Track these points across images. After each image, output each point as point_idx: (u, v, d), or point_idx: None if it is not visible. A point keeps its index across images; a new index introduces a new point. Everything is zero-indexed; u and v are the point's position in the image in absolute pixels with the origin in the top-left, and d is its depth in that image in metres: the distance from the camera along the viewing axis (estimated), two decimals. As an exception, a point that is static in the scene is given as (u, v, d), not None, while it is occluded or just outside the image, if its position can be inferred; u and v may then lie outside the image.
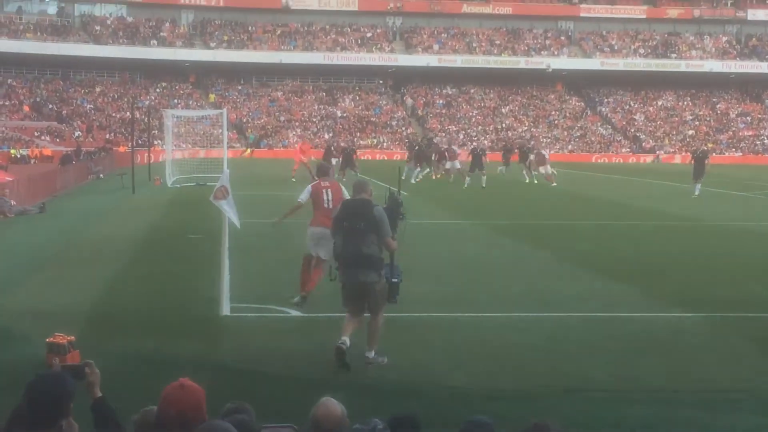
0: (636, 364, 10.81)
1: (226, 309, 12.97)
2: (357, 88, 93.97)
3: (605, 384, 9.98)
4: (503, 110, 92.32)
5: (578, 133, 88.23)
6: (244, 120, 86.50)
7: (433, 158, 48.15)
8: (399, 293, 10.75)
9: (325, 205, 13.81)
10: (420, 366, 10.67)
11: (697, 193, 37.10)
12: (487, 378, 10.14)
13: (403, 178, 42.49)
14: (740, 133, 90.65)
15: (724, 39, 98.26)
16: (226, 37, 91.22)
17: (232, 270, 13.50)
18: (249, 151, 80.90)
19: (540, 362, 10.86)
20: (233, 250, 14.02)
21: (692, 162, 39.57)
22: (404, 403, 8.64)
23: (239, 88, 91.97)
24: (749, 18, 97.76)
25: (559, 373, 10.40)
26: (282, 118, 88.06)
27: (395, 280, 10.59)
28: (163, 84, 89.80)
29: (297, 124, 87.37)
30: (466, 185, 40.76)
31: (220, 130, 41.00)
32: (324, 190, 13.94)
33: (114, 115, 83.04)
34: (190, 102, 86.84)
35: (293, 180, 42.74)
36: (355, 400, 7.98)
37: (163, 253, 19.78)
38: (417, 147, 49.64)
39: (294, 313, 13.36)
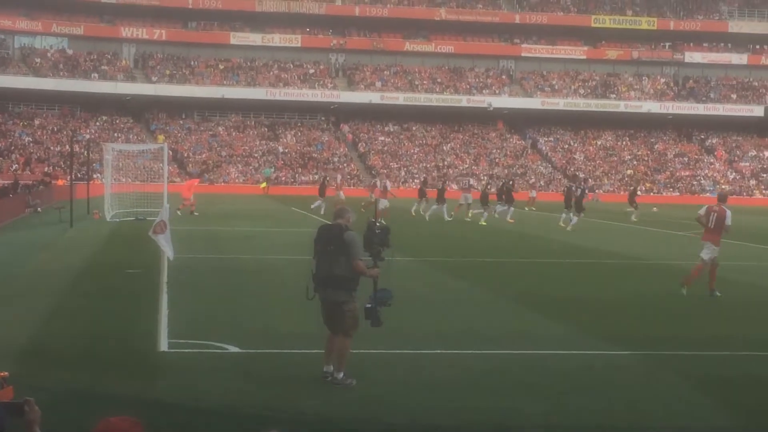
0: (572, 402, 10.89)
1: (164, 344, 12.88)
2: (299, 124, 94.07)
3: (541, 420, 10.04)
4: (445, 147, 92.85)
5: (519, 171, 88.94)
6: (185, 155, 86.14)
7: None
8: (380, 320, 11.26)
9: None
10: (359, 402, 10.67)
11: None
12: (425, 415, 10.16)
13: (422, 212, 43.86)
14: (677, 173, 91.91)
15: (662, 80, 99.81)
16: (168, 72, 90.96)
17: (170, 305, 13.44)
18: (265, 184, 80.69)
19: (477, 399, 10.91)
20: (172, 285, 13.96)
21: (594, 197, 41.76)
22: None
23: (181, 122, 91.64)
24: (686, 60, 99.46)
25: (496, 409, 10.45)
26: (223, 153, 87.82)
27: (368, 305, 11.21)
28: (104, 118, 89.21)
29: (238, 159, 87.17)
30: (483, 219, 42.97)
31: (161, 165, 40.89)
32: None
33: (53, 148, 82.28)
34: (131, 136, 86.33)
35: (195, 214, 42.87)
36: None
37: (100, 287, 19.59)
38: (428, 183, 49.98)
39: (233, 349, 13.30)
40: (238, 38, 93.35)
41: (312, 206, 48.40)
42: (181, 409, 10.11)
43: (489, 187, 49.18)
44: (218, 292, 19.01)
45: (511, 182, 51.37)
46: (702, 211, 20.31)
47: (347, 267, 11.09)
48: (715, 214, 19.96)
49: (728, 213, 19.90)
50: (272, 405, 10.26)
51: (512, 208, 45.32)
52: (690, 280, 19.96)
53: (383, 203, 43.55)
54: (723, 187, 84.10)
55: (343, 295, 11.19)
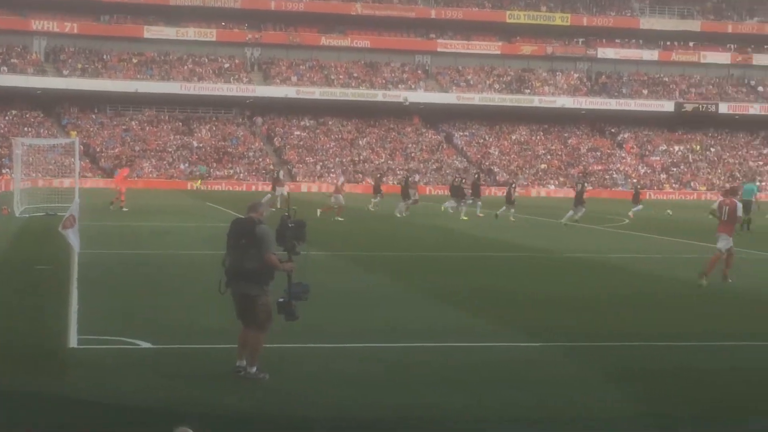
0: (490, 394, 10.91)
1: (73, 341, 12.63)
2: (214, 119, 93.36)
3: (459, 414, 10.04)
4: (360, 142, 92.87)
5: (434, 166, 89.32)
6: (98, 149, 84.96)
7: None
8: (295, 314, 11.18)
9: None
10: (272, 397, 10.58)
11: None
12: (338, 409, 10.10)
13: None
14: (590, 168, 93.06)
15: (576, 76, 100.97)
16: (80, 65, 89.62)
17: (81, 301, 13.19)
18: (200, 182, 79.84)
19: (393, 393, 10.87)
20: (83, 281, 13.72)
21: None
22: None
23: (93, 116, 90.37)
24: (599, 56, 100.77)
25: (414, 403, 10.42)
26: (137, 148, 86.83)
27: (281, 300, 11.13)
28: (14, 112, 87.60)
29: (152, 153, 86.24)
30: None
31: (72, 160, 40.25)
32: None
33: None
34: (42, 131, 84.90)
35: (125, 210, 42.06)
36: (211, 429, 7.87)
37: (8, 284, 19.20)
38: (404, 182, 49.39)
39: (144, 344, 13.10)
40: (151, 32, 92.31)
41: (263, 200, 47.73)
42: (91, 405, 9.91)
43: (461, 181, 48.92)
44: (130, 288, 18.75)
45: (477, 175, 51.93)
46: (715, 206, 21.71)
47: (259, 261, 11.03)
48: (727, 207, 21.30)
49: (738, 205, 21.50)
50: (184, 401, 10.12)
51: (480, 203, 45.35)
52: (709, 271, 20.84)
53: (338, 199, 43.13)
54: (727, 184, 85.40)
55: (255, 289, 11.12)
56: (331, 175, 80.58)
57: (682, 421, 9.93)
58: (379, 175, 57.77)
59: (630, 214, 46.03)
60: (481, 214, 44.19)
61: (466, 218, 42.82)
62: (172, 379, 11.16)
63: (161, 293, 18.19)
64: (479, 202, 45.29)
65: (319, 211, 42.65)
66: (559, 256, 27.56)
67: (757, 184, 60.43)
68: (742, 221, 36.51)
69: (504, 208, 44.40)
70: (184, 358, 12.43)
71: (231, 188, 79.18)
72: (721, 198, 22.20)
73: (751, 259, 26.94)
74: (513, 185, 46.87)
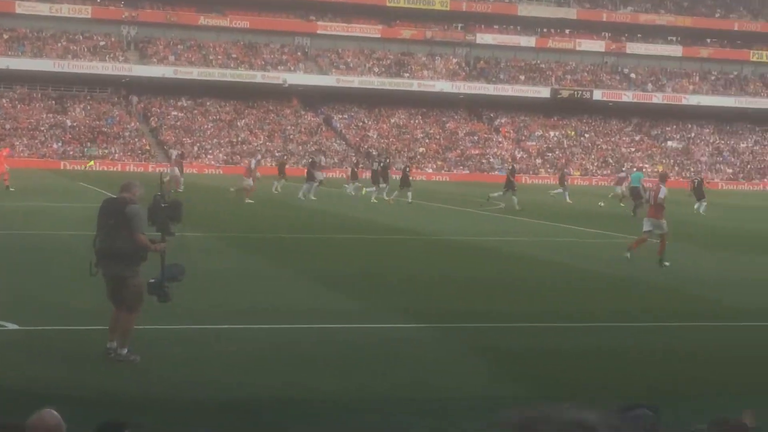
0: (363, 374, 10.91)
1: (-64, 322, 12.25)
2: (88, 98, 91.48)
3: (332, 394, 10.00)
4: (239, 123, 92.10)
5: (313, 148, 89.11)
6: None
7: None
8: (168, 296, 11.06)
9: None
10: (143, 378, 10.41)
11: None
12: (210, 390, 9.97)
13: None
14: (468, 152, 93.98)
15: (454, 61, 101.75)
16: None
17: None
18: (92, 162, 77.79)
19: (265, 374, 10.80)
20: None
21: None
22: (126, 415, 8.36)
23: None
24: (478, 41, 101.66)
25: (284, 384, 10.37)
26: (8, 126, 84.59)
27: (151, 280, 11.02)
28: None
29: (24, 132, 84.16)
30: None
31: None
32: None
33: None
34: None
35: (11, 189, 41.19)
36: (79, 411, 7.68)
37: None
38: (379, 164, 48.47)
39: (11, 326, 12.76)
40: (24, 7, 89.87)
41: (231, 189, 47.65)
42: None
43: (380, 165, 48.13)
44: (-2, 269, 18.25)
45: (387, 161, 51.80)
46: (645, 193, 23.66)
47: (129, 241, 10.86)
48: (652, 192, 22.72)
49: (662, 189, 22.48)
50: (52, 383, 9.88)
51: (388, 187, 45.08)
52: (634, 247, 22.57)
53: (247, 182, 42.68)
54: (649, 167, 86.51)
55: (125, 270, 10.96)
56: (237, 157, 79.78)
57: (550, 402, 10.05)
58: (285, 158, 56.86)
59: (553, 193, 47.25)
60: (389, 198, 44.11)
61: (376, 201, 42.90)
62: (40, 360, 10.90)
63: (30, 274, 17.77)
64: (388, 186, 44.90)
65: (232, 189, 42.76)
66: (437, 238, 27.76)
67: (644, 170, 61.60)
68: (632, 207, 37.38)
69: (397, 192, 44.52)
70: (53, 340, 12.16)
71: (106, 168, 77.77)
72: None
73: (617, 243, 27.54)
74: (387, 161, 46.97)
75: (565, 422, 0.99)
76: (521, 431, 0.66)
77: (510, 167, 49.90)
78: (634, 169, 49.42)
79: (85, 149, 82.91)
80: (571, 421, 1.02)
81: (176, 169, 47.94)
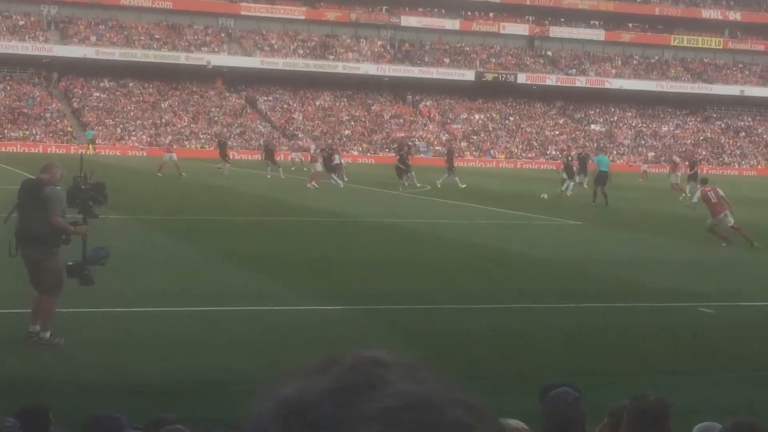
0: (283, 357, 10.99)
1: None
2: (8, 78, 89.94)
3: (251, 376, 10.07)
4: (162, 105, 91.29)
5: (238, 130, 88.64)
6: None
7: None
8: (90, 279, 11.02)
9: None
10: (65, 362, 10.39)
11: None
12: (131, 373, 10.00)
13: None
14: (393, 134, 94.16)
15: (379, 43, 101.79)
16: None
17: None
18: (91, 146, 76.02)
19: (187, 356, 10.84)
20: None
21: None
22: (38, 398, 8.36)
23: None
24: (402, 24, 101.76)
25: (207, 366, 10.42)
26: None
27: (70, 263, 10.97)
28: None
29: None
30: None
31: None
32: None
33: None
34: None
35: None
36: (1, 394, 7.67)
37: None
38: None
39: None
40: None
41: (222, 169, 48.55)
42: None
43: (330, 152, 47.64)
44: None
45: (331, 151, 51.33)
46: (697, 199, 24.94)
47: (46, 223, 10.78)
48: (712, 192, 23.96)
49: (716, 188, 24.13)
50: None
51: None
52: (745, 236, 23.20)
53: (317, 167, 42.84)
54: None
55: (42, 252, 10.90)
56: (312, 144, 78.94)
57: (471, 383, 10.24)
58: (224, 141, 55.95)
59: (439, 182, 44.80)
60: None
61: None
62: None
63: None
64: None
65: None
66: (361, 220, 27.87)
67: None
68: (598, 194, 35.88)
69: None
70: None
71: (27, 149, 76.62)
72: (701, 188, 24.84)
73: (553, 225, 27.88)
74: (330, 151, 46.77)
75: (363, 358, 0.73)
76: (316, 372, 0.68)
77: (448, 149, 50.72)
78: (599, 154, 46.43)
79: (86, 133, 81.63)
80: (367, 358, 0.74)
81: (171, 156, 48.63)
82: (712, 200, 23.60)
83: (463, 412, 0.80)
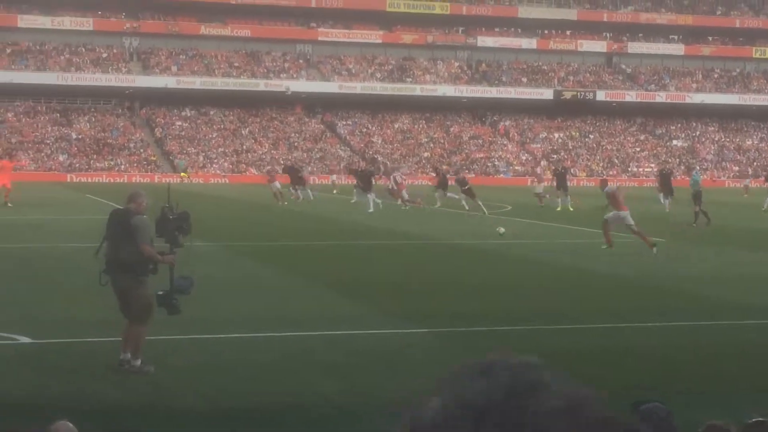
0: (368, 380, 11.04)
1: (-50, 337, 12.40)
2: (93, 110, 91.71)
3: (338, 400, 10.14)
4: (243, 132, 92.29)
5: (318, 155, 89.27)
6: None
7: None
8: (177, 308, 11.13)
9: None
10: (157, 389, 10.53)
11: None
12: (222, 399, 10.11)
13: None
14: (473, 155, 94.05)
15: (456, 64, 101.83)
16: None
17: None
18: (186, 174, 77.87)
19: (275, 381, 10.93)
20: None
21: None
22: (139, 425, 8.53)
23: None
24: (479, 44, 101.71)
25: (294, 390, 10.49)
26: (13, 140, 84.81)
27: (159, 293, 11.08)
28: None
29: (29, 145, 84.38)
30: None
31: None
32: None
33: None
34: None
35: (9, 205, 40.50)
36: (93, 422, 7.83)
37: None
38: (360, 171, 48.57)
39: (24, 339, 12.91)
40: (26, 21, 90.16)
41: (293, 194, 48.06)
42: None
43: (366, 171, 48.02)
44: (9, 282, 18.39)
45: (372, 168, 52.17)
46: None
47: (135, 252, 10.94)
48: None
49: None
50: (66, 396, 10.02)
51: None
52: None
53: (405, 194, 44.18)
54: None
55: (131, 281, 11.04)
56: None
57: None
58: (294, 166, 56.07)
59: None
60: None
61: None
62: (54, 373, 11.03)
63: (41, 287, 17.91)
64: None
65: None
66: (442, 242, 27.85)
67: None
68: (699, 214, 34.88)
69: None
70: (66, 353, 12.28)
71: (112, 180, 77.94)
72: None
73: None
74: (366, 171, 47.15)
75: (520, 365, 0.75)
76: (481, 376, 0.68)
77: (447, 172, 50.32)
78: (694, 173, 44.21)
79: (177, 162, 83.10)
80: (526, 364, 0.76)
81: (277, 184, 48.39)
82: None
83: (610, 411, 0.82)
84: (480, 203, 40.69)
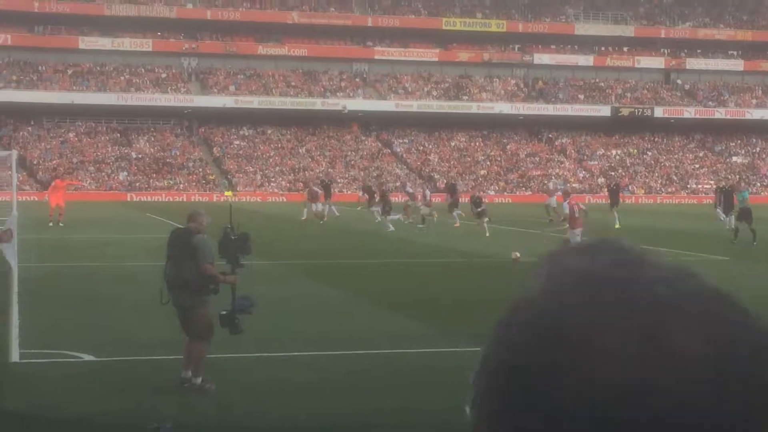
0: (428, 398, 11.00)
1: (15, 355, 12.53)
2: (152, 129, 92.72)
3: (399, 418, 10.11)
4: (300, 150, 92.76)
5: (375, 173, 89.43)
6: (35, 162, 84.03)
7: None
8: (239, 327, 11.13)
9: None
10: (218, 407, 10.58)
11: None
12: (283, 418, 10.13)
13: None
14: (529, 173, 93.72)
15: (513, 82, 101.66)
16: (14, 77, 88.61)
17: (23, 315, 13.07)
18: (231, 193, 78.76)
19: (336, 400, 10.92)
20: (23, 295, 13.60)
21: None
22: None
23: (29, 129, 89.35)
24: (535, 62, 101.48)
25: (356, 410, 10.48)
26: (75, 160, 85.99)
27: (223, 312, 11.11)
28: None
29: (90, 165, 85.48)
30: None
31: (9, 173, 39.67)
32: None
33: None
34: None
35: (60, 225, 40.69)
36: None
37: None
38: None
39: (87, 357, 13.03)
40: (87, 42, 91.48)
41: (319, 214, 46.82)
42: (36, 420, 9.86)
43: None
44: (72, 301, 18.59)
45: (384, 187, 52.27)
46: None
47: (195, 271, 10.99)
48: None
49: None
50: (128, 413, 10.09)
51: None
52: None
53: (425, 210, 43.38)
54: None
55: (192, 299, 11.09)
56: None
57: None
58: (327, 182, 55.70)
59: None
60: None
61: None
62: (116, 391, 11.11)
63: (103, 305, 18.07)
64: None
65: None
66: (503, 260, 27.73)
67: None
68: (743, 230, 34.08)
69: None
70: (128, 371, 12.38)
71: (171, 198, 78.64)
72: None
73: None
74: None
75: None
76: (584, 254, 0.70)
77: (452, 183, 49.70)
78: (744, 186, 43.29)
79: (221, 183, 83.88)
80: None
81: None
82: None
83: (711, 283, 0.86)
84: (486, 225, 38.32)
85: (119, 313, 17.20)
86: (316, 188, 47.26)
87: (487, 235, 36.97)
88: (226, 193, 79.37)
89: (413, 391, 11.31)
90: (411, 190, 50.49)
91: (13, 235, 12.54)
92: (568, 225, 25.88)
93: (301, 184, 56.26)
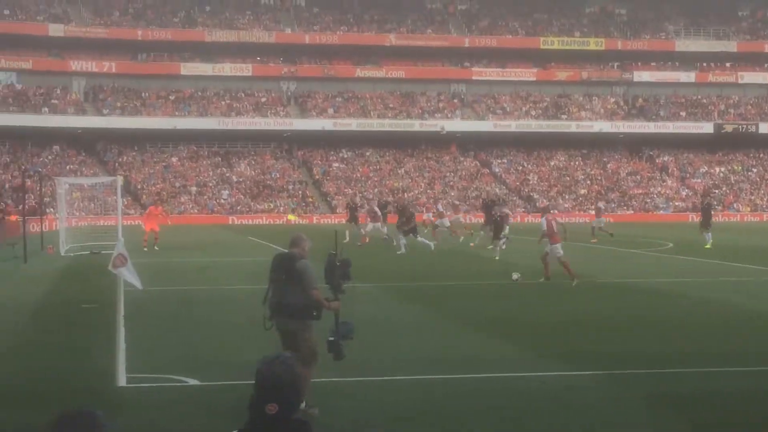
0: (529, 424, 10.91)
1: (122, 380, 12.75)
2: (252, 153, 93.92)
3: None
4: (399, 171, 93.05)
5: (474, 194, 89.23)
6: (139, 186, 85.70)
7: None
8: (343, 353, 11.09)
9: None
10: (325, 431, 10.61)
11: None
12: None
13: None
14: (630, 191, 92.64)
15: (612, 100, 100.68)
16: (119, 104, 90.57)
17: (128, 339, 13.30)
18: (294, 217, 79.78)
19: (440, 425, 10.89)
20: (129, 319, 13.84)
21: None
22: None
23: (133, 154, 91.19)
24: (635, 79, 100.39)
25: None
26: (177, 184, 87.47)
27: (330, 338, 11.04)
28: (56, 150, 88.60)
29: (193, 189, 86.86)
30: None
31: (115, 197, 40.55)
32: None
33: (3, 183, 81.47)
34: (83, 169, 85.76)
35: (156, 248, 41.26)
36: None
37: (56, 322, 19.39)
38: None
39: (192, 381, 13.20)
40: (188, 69, 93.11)
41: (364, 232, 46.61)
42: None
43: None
44: (176, 325, 18.87)
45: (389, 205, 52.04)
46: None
47: (299, 296, 11.05)
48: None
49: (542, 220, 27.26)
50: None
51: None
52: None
53: (445, 222, 45.94)
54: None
55: (297, 324, 11.17)
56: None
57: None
58: (353, 204, 53.86)
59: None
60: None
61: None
62: (221, 415, 11.21)
63: (207, 329, 18.29)
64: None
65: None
66: (600, 281, 27.44)
67: None
68: None
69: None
70: (233, 395, 12.47)
71: (272, 221, 79.47)
72: None
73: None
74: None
75: None
76: None
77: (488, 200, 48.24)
78: None
79: (288, 208, 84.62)
80: None
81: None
82: None
83: None
84: (498, 249, 36.67)
85: (223, 336, 17.39)
86: (376, 208, 47.05)
87: (497, 258, 35.39)
88: (290, 217, 79.55)
89: (511, 415, 11.23)
90: (442, 209, 50.76)
91: (126, 258, 12.77)
92: (548, 239, 26.66)
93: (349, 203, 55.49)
